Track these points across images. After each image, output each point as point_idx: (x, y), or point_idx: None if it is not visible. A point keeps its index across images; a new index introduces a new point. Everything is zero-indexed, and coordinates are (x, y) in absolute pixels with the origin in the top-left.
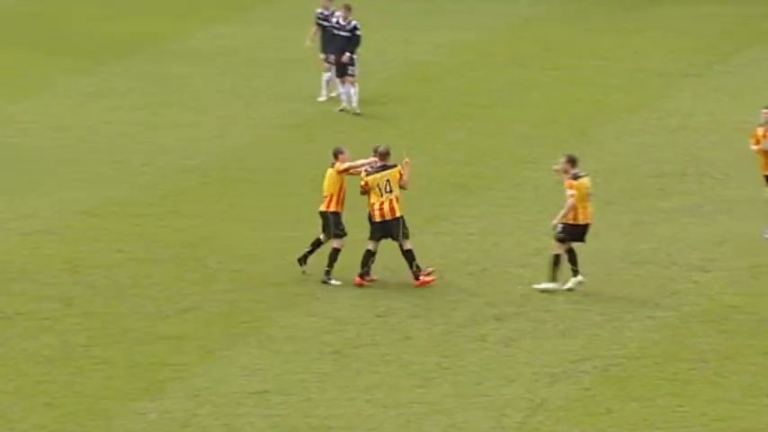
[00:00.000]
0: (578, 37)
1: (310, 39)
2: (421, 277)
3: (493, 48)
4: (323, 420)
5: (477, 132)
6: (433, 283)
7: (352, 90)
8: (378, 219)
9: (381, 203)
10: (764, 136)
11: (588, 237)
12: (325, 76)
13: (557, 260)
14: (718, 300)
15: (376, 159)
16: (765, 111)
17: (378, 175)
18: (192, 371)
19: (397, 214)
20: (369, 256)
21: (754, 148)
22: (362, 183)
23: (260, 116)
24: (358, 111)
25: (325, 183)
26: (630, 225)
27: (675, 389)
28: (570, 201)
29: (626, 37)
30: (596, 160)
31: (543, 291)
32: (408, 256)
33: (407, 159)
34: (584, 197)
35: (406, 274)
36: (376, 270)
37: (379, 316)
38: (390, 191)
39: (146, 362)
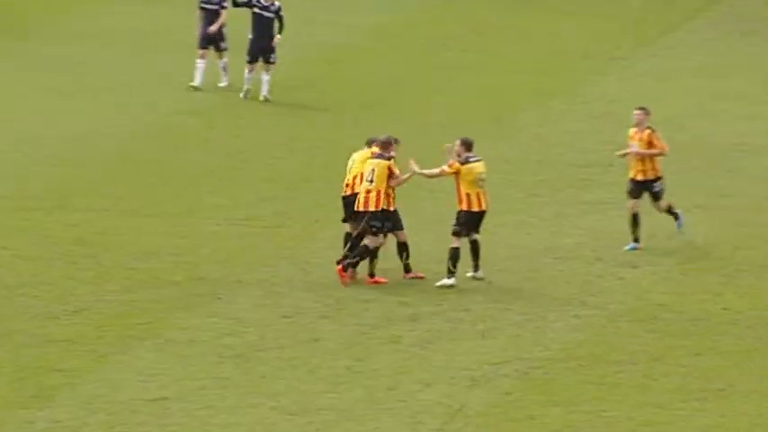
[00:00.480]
0: (500, 18)
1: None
2: (376, 276)
3: (410, 29)
4: (224, 429)
5: (392, 120)
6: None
7: (268, 77)
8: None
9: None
10: (633, 138)
11: (509, 230)
12: (221, 63)
13: (455, 254)
14: (646, 298)
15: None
16: (638, 112)
17: (370, 162)
18: (84, 377)
19: (369, 207)
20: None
21: (620, 153)
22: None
23: (157, 103)
24: (269, 97)
25: (376, 174)
26: (553, 218)
27: (601, 393)
28: (439, 170)
29: (550, 18)
30: (518, 149)
31: (441, 287)
32: (361, 250)
33: (449, 145)
34: (473, 183)
35: (317, 272)
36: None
37: (285, 317)
38: (371, 181)
39: (34, 366)
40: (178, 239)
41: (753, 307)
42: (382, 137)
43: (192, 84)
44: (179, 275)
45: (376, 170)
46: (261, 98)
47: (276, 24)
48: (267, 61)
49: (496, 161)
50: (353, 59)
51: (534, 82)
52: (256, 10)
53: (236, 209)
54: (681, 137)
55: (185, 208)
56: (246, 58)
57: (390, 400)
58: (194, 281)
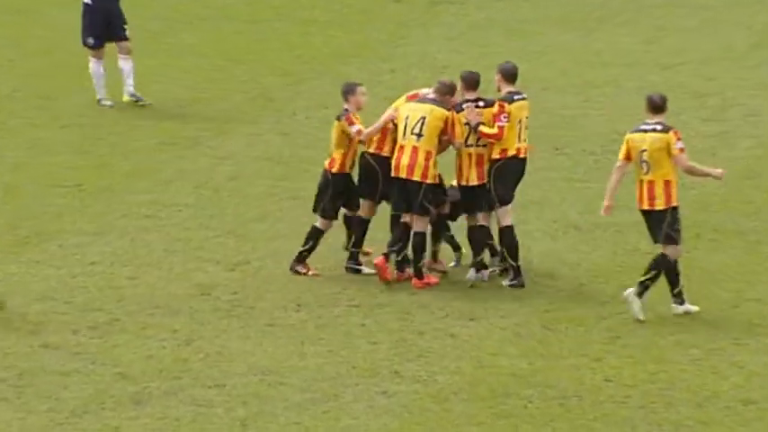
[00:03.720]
0: None
1: None
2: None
3: None
4: None
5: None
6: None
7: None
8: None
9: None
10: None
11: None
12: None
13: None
14: (491, 364)
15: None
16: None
17: (414, 105)
18: None
19: (414, 176)
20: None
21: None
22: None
23: None
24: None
25: (427, 128)
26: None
27: None
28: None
29: None
30: (302, 132)
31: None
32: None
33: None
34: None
35: None
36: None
37: None
38: (419, 134)
39: None
40: None
41: (649, 377)
42: (444, 80)
43: None
44: None
45: (428, 120)
46: (126, 98)
47: None
48: (120, 38)
49: (257, 159)
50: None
51: (321, 42)
52: None
53: None
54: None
55: None
56: (89, 40)
57: None
58: None
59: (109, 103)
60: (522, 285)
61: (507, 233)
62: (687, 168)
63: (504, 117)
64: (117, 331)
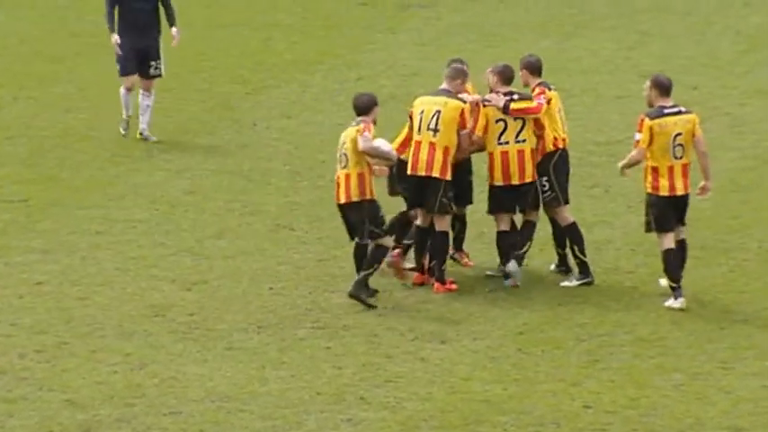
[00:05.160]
0: None
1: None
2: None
3: None
4: None
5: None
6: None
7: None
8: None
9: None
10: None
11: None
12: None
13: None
14: (464, 390)
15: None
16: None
17: (428, 99)
18: None
19: (433, 173)
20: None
21: None
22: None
23: None
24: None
25: (443, 127)
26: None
27: None
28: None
29: None
30: (263, 143)
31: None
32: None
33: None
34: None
35: None
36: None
37: None
38: (435, 129)
39: None
40: None
41: (630, 403)
42: (453, 63)
43: None
44: None
45: (443, 114)
46: (138, 135)
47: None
48: (146, 74)
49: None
50: None
51: (286, 44)
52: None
53: None
54: None
55: None
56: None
57: None
58: None
59: (123, 131)
60: (592, 281)
61: (574, 229)
62: (705, 152)
63: (544, 97)
64: (66, 355)
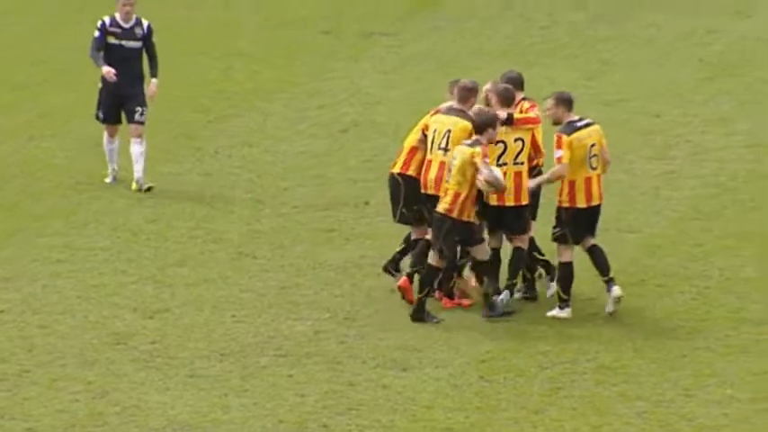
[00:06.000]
0: None
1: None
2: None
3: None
4: None
5: None
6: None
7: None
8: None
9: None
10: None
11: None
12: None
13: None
14: (426, 418)
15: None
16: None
17: (441, 118)
18: None
19: (441, 192)
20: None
21: None
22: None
23: None
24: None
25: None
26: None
27: None
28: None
29: None
30: (225, 171)
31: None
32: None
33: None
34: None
35: None
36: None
37: None
38: (446, 149)
39: None
40: None
41: (594, 430)
42: (464, 82)
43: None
44: None
45: (453, 134)
46: (135, 186)
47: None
48: (133, 120)
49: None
50: None
51: (247, 72)
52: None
53: None
54: None
55: None
56: (99, 115)
57: None
58: None
59: (109, 180)
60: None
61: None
62: (609, 161)
63: (537, 109)
64: (27, 384)
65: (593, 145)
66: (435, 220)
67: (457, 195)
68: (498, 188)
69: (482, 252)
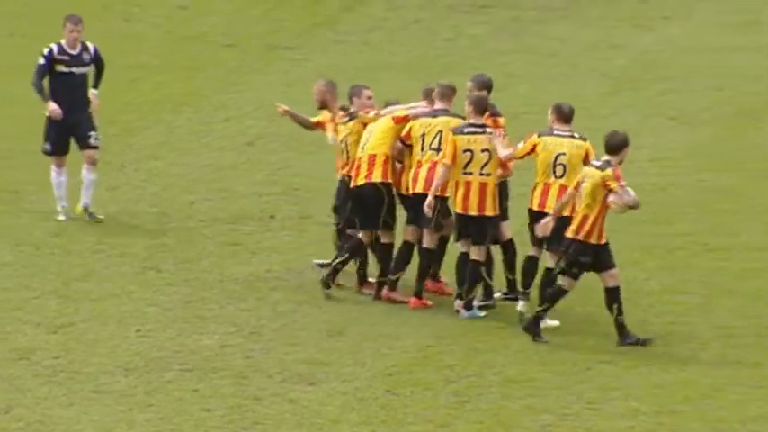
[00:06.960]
0: None
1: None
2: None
3: None
4: None
5: None
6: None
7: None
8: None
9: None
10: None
11: None
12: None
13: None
14: None
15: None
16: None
17: (428, 121)
18: None
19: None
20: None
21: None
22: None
23: None
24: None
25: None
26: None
27: None
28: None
29: None
30: (131, 185)
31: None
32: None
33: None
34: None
35: None
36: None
37: None
38: (437, 149)
39: None
40: None
41: None
42: (443, 82)
43: None
44: None
45: (444, 132)
46: (80, 209)
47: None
48: (87, 146)
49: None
50: None
51: (152, 84)
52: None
53: None
54: None
55: None
56: (47, 147)
57: None
58: None
59: (63, 217)
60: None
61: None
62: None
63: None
64: None
65: (561, 153)
66: (563, 245)
67: (585, 218)
68: (637, 208)
69: (613, 279)
